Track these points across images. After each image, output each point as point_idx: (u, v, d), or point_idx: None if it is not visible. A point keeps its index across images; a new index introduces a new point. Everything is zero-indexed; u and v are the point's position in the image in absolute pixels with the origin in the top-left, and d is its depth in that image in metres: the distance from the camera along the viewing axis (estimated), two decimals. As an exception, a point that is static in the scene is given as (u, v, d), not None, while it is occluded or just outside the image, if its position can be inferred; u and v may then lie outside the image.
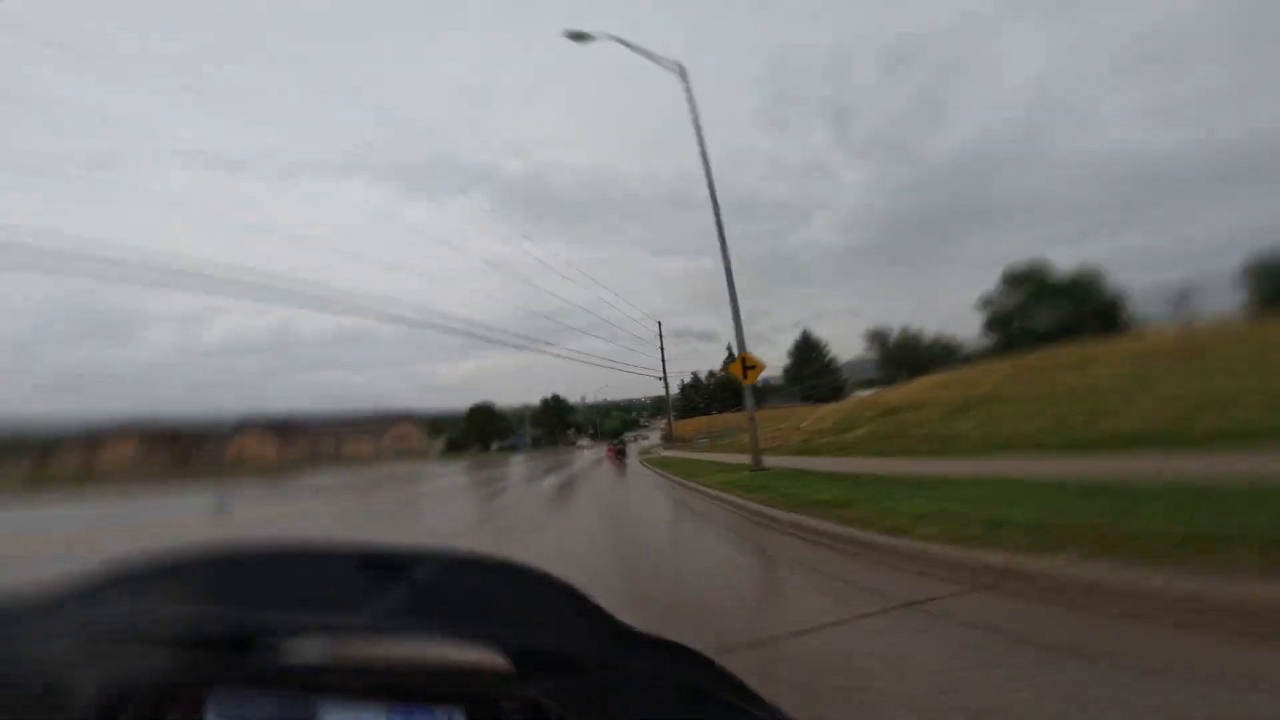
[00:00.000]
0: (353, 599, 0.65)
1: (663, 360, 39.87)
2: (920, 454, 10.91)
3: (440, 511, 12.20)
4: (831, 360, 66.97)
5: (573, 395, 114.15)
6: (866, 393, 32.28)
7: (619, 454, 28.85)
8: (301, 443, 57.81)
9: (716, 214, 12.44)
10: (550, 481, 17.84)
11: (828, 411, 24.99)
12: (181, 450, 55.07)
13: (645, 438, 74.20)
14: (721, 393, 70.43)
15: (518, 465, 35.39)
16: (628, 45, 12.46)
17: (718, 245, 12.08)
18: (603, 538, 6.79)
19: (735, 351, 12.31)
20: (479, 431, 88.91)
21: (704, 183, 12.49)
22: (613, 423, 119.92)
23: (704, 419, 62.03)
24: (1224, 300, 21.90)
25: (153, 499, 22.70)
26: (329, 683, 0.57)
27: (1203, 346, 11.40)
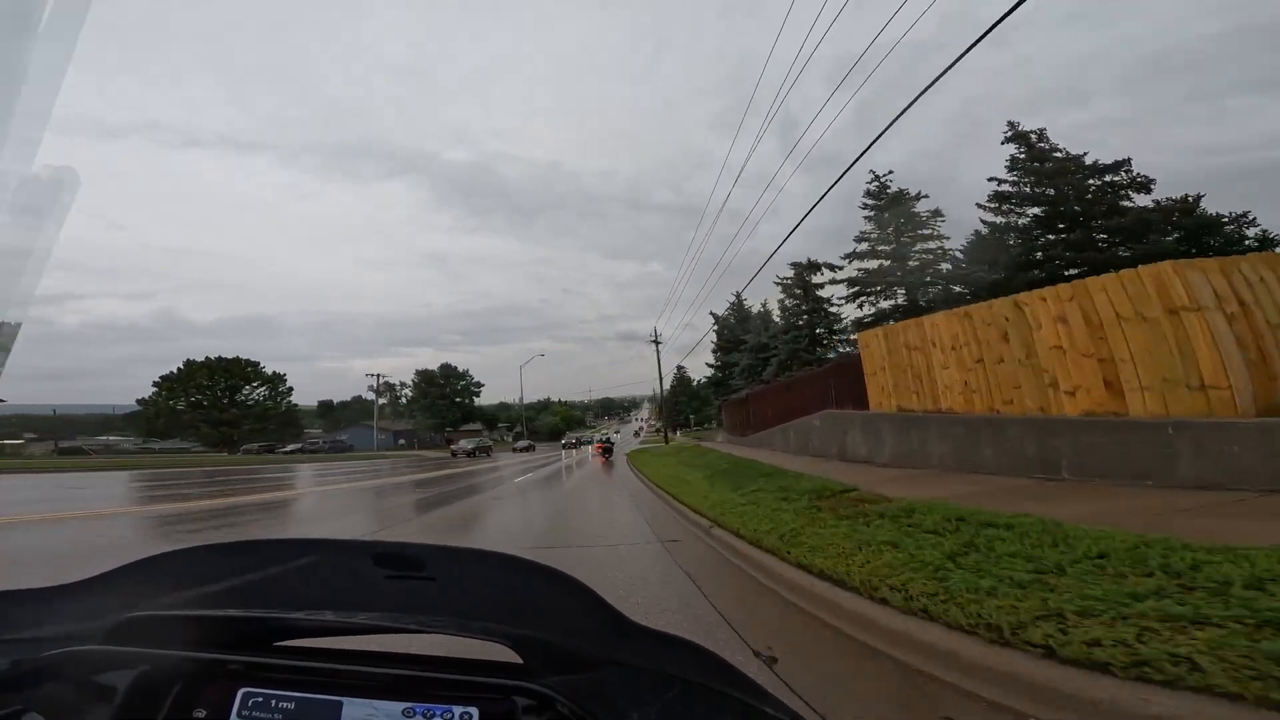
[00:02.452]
0: (370, 594, 0.69)
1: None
2: None
3: None
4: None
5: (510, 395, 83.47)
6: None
7: (606, 452, 25.76)
8: None
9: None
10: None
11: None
12: None
13: (596, 439, 39.91)
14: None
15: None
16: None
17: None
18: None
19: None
20: (214, 417, 46.06)
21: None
22: (551, 419, 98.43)
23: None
24: None
25: None
26: (349, 678, 0.59)
27: None
